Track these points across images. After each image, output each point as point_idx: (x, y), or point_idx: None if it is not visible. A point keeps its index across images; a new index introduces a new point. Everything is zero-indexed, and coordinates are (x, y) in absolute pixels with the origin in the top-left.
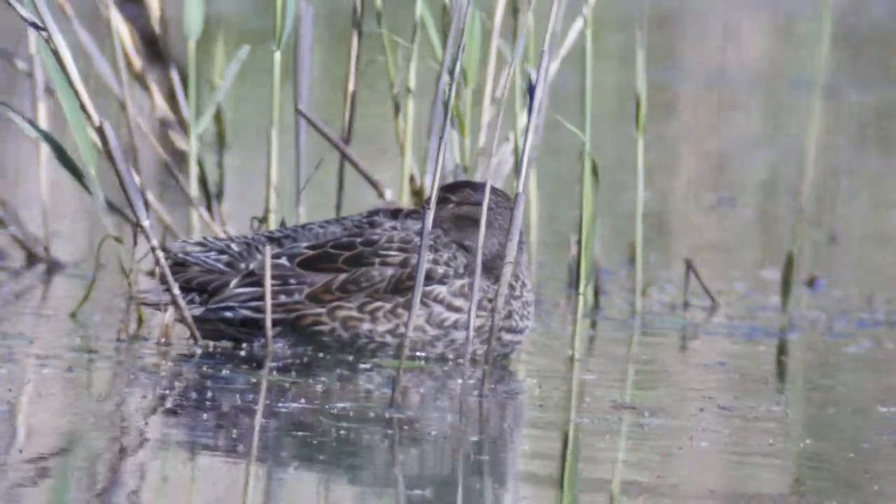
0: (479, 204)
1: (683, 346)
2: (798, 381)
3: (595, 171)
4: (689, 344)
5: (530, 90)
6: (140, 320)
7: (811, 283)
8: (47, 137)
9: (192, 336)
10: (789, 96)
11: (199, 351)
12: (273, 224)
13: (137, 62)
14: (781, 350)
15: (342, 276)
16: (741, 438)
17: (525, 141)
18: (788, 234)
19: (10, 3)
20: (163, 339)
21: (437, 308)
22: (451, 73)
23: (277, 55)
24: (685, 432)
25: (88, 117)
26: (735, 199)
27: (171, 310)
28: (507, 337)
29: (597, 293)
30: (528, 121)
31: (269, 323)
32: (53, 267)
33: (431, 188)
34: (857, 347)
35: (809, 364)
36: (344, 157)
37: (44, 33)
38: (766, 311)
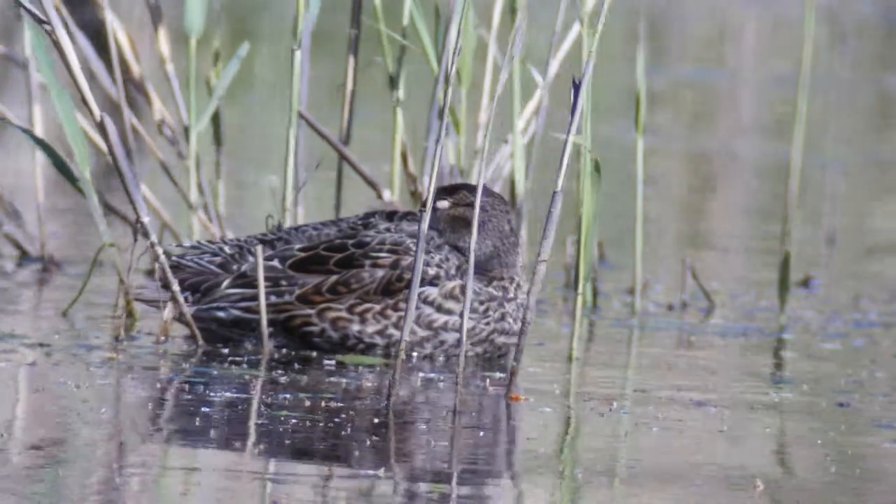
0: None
1: (680, 345)
2: (792, 379)
3: (597, 170)
4: (685, 344)
5: (576, 89)
6: (133, 319)
7: (806, 283)
8: (41, 143)
9: (192, 333)
10: (783, 94)
11: (198, 348)
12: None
13: (135, 66)
14: (778, 349)
15: (333, 278)
16: (737, 433)
17: (567, 138)
18: (783, 233)
19: None
20: (162, 337)
21: (427, 310)
22: (443, 62)
23: (299, 54)
24: (680, 427)
25: (90, 111)
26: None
27: (170, 306)
28: (500, 339)
29: (595, 293)
30: (571, 120)
31: (264, 323)
32: (49, 266)
33: (414, 190)
34: (852, 346)
35: (803, 362)
36: (343, 158)
37: (47, 27)
38: (763, 311)
